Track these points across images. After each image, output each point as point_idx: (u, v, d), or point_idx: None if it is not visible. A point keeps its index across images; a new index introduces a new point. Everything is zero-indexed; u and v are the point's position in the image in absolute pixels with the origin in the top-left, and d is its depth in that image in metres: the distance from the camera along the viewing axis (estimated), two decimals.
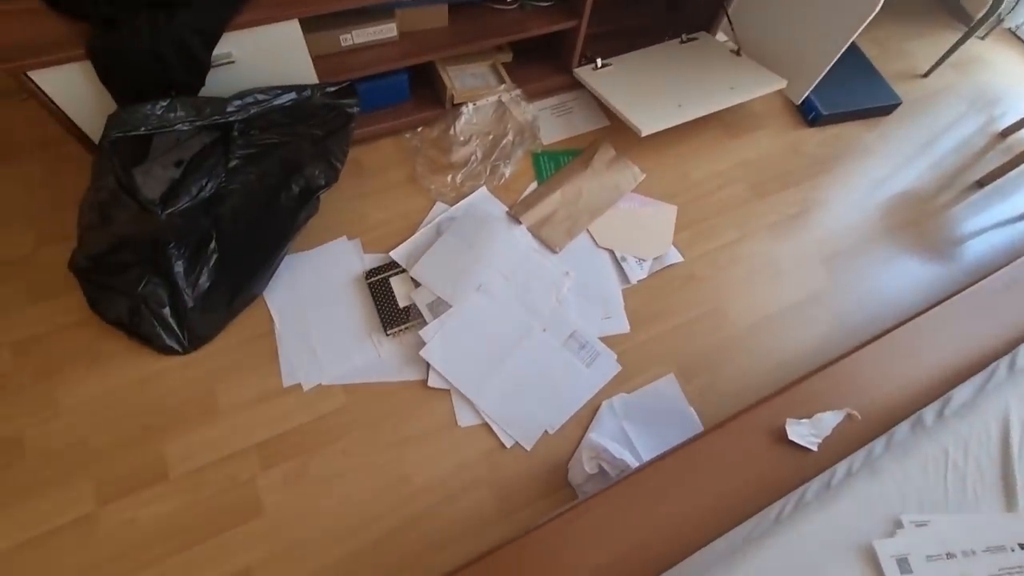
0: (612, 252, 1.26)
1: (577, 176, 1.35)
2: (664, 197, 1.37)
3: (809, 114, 1.56)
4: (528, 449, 1.04)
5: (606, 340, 1.16)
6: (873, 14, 1.19)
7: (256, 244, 1.12)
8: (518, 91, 1.40)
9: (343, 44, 1.20)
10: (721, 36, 1.59)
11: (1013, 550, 0.53)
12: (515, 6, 1.32)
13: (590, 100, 1.51)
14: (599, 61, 1.44)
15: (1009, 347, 0.86)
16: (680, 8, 1.60)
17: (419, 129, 1.40)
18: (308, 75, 1.13)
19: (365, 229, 1.25)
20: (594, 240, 1.28)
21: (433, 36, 1.27)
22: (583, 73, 1.44)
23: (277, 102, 1.05)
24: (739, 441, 0.75)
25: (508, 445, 1.04)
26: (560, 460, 1.04)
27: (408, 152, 1.38)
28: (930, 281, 1.35)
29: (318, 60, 1.14)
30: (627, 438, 1.06)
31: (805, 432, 0.73)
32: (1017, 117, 1.63)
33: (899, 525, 0.55)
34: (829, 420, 0.74)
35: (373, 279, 1.17)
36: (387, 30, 1.22)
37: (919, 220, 1.46)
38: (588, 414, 1.08)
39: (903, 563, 0.52)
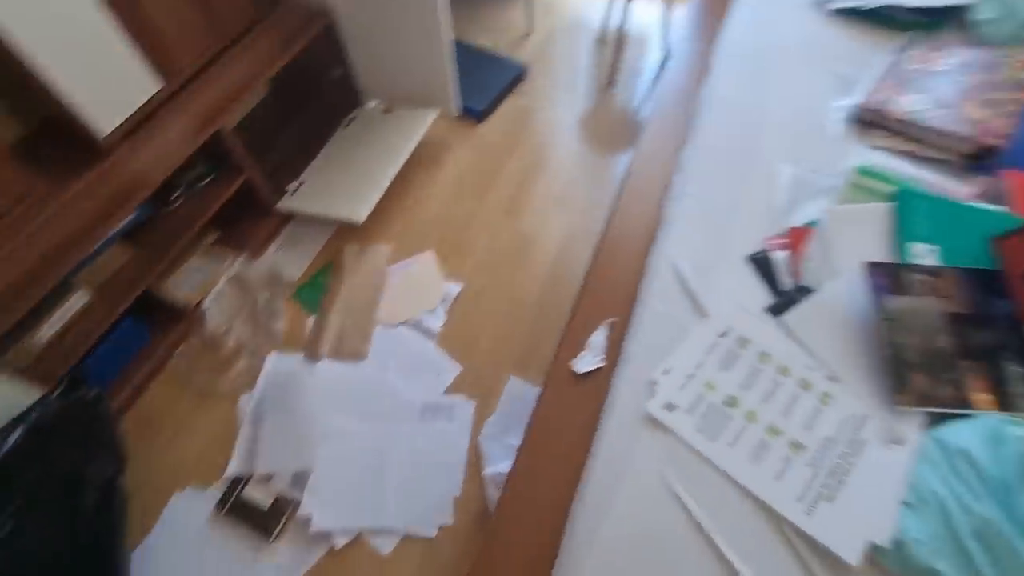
0: (406, 322, 1.38)
1: (340, 286, 1.45)
2: (419, 248, 1.52)
3: (474, 116, 1.83)
4: (452, 523, 1.11)
5: (450, 389, 1.27)
6: (439, 13, 1.41)
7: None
8: (242, 256, 1.46)
9: (42, 341, 1.16)
10: (372, 102, 1.80)
11: (720, 336, 0.73)
12: (181, 200, 1.37)
13: (309, 218, 1.61)
14: (290, 186, 1.55)
15: None
16: (326, 99, 1.77)
17: (179, 350, 1.39)
18: (26, 395, 1.08)
19: (189, 470, 1.22)
20: (388, 324, 1.38)
21: (127, 271, 1.28)
22: (285, 204, 1.54)
23: (11, 442, 0.99)
24: (560, 396, 0.89)
25: (433, 535, 1.10)
26: (481, 509, 1.13)
27: (183, 375, 1.36)
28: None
29: (27, 372, 1.09)
30: (514, 449, 1.18)
31: (590, 359, 0.89)
32: (600, 27, 2.09)
33: (655, 383, 0.72)
34: (599, 338, 0.91)
35: (227, 506, 1.15)
36: (77, 300, 1.20)
37: (600, 128, 1.80)
38: (477, 455, 1.19)
39: (668, 406, 0.69)
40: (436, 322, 1.37)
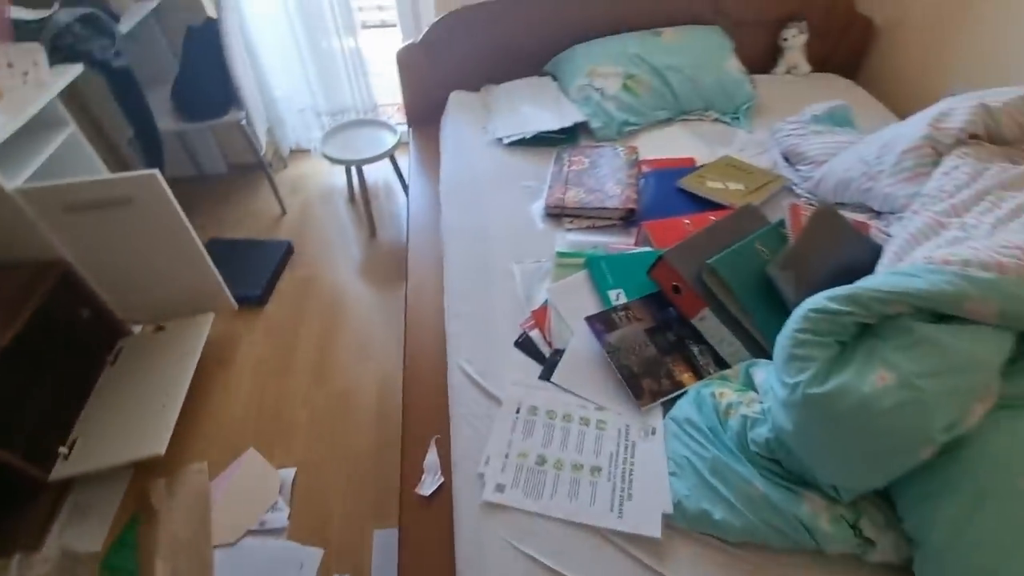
0: (249, 531, 1.29)
1: (157, 532, 1.29)
2: (237, 451, 1.44)
3: (254, 301, 1.86)
4: None
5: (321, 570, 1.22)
6: (182, 228, 1.51)
7: None
8: (16, 557, 1.20)
9: None
10: (137, 328, 1.71)
11: (516, 414, 0.90)
12: None
13: (96, 475, 1.41)
14: (61, 450, 1.36)
15: None
16: (81, 343, 1.62)
17: None
18: None
19: None
20: (228, 543, 1.27)
21: None
22: (60, 472, 1.33)
23: None
24: (417, 523, 0.94)
25: None
26: None
27: None
28: None
29: None
30: None
31: (430, 481, 0.98)
32: (346, 188, 2.37)
33: (482, 474, 0.84)
34: (432, 458, 1.01)
35: None
36: None
37: (378, 272, 1.99)
38: None
39: (498, 487, 0.81)
40: (281, 517, 1.30)
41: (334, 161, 1.94)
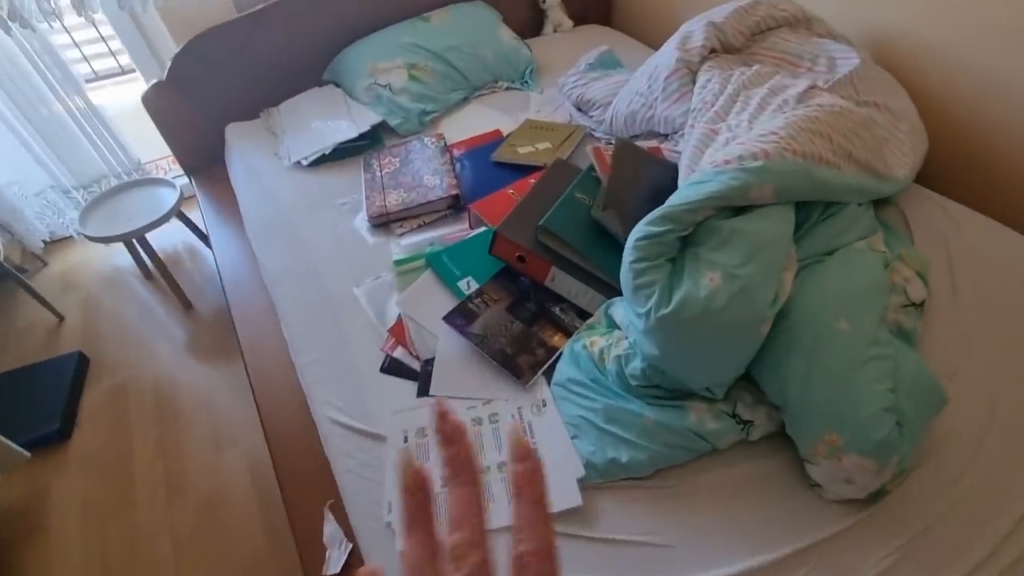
0: None
1: None
2: None
3: (54, 439, 1.51)
4: None
5: None
6: None
7: None
8: None
9: None
10: None
11: (406, 443, 0.83)
12: None
13: None
14: None
15: None
16: None
17: None
18: None
19: None
20: None
21: None
22: None
23: None
24: None
25: None
26: None
27: None
28: None
29: None
30: None
31: (336, 556, 0.87)
32: (137, 265, 2.01)
33: (389, 523, 0.77)
34: (331, 528, 0.89)
35: None
36: None
37: (209, 347, 1.73)
38: None
39: None
40: None
41: (102, 240, 1.62)
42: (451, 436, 0.25)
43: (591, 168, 1.07)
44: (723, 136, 0.93)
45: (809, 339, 0.68)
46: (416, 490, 0.24)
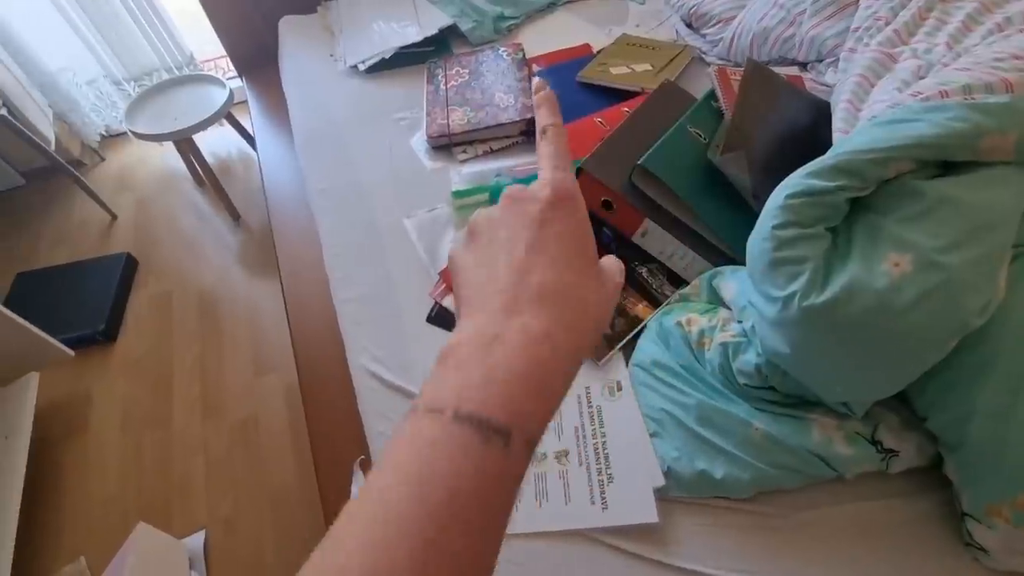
0: None
1: None
2: (123, 531, 1.16)
3: (100, 339, 1.51)
4: None
5: None
6: None
7: None
8: None
9: None
10: None
11: None
12: None
13: None
14: None
15: None
16: None
17: None
18: None
19: None
20: None
21: None
22: None
23: None
24: None
25: None
26: None
27: None
28: None
29: None
30: None
31: None
32: (188, 169, 1.96)
33: None
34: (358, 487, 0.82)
35: None
36: None
37: (257, 262, 1.68)
38: None
39: None
40: None
41: (148, 138, 1.55)
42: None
43: (711, 96, 0.86)
44: (908, 63, 0.69)
45: (1017, 362, 0.49)
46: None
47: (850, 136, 0.56)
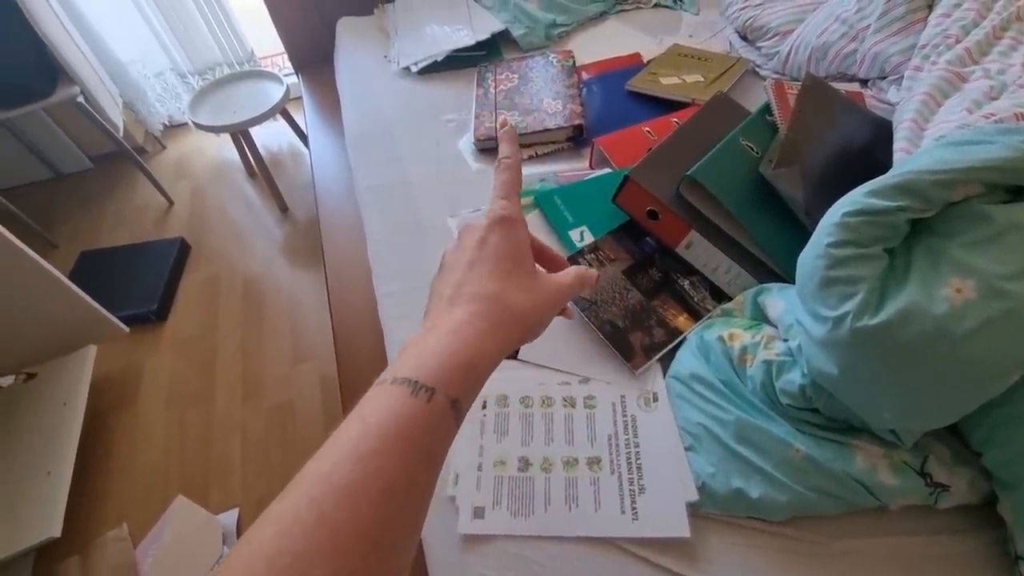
0: None
1: None
2: (163, 503, 1.22)
3: (151, 318, 1.60)
4: None
5: None
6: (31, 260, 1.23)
7: None
8: None
9: None
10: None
11: (483, 411, 0.73)
12: None
13: None
14: None
15: None
16: None
17: None
18: None
19: None
20: None
21: None
22: None
23: None
24: None
25: None
26: None
27: None
28: None
29: None
30: None
31: None
32: (241, 161, 2.05)
33: (453, 497, 0.68)
34: None
35: None
36: None
37: (300, 254, 1.74)
38: None
39: (476, 512, 0.65)
40: None
41: (208, 129, 1.62)
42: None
43: (765, 109, 0.85)
44: (980, 83, 0.67)
45: None
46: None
47: (914, 156, 0.54)
